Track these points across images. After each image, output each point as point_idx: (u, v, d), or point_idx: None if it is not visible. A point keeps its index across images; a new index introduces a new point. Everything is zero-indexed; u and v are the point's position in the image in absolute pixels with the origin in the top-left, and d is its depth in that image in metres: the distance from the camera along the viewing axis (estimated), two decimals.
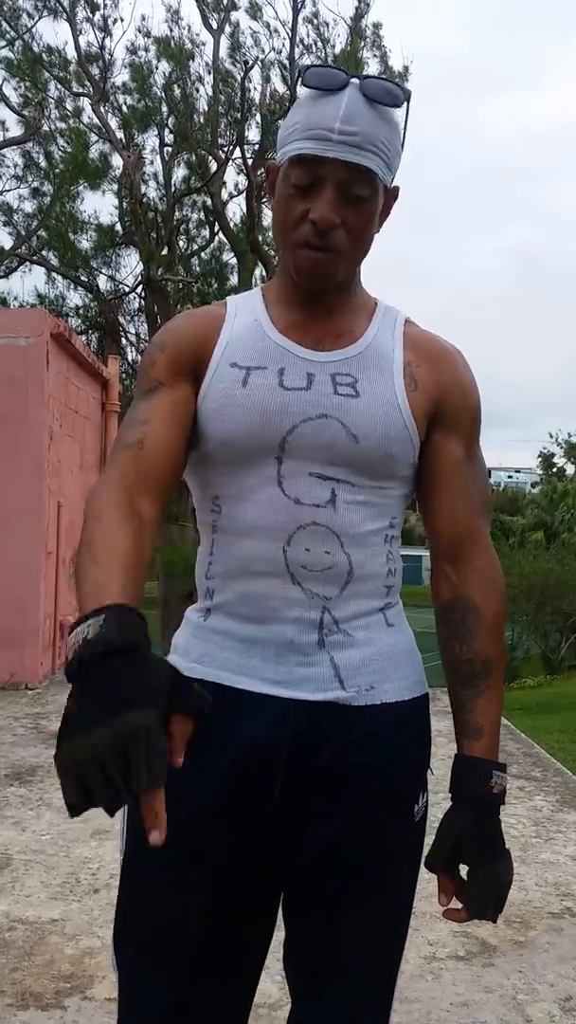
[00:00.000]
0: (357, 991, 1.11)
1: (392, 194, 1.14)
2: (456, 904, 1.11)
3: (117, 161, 12.66)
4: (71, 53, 12.71)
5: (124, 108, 12.88)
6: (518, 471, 57.83)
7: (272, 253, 13.34)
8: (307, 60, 13.04)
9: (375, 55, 13.27)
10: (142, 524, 1.04)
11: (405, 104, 1.09)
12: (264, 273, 12.83)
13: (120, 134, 12.71)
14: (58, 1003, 2.06)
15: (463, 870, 1.09)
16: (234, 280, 13.21)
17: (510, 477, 57.23)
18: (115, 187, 12.79)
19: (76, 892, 2.64)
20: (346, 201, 1.06)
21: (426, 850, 1.12)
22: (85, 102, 12.89)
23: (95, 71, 12.68)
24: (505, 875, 1.10)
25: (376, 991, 1.13)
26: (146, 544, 1.04)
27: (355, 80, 1.06)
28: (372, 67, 13.27)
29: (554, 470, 43.63)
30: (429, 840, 1.11)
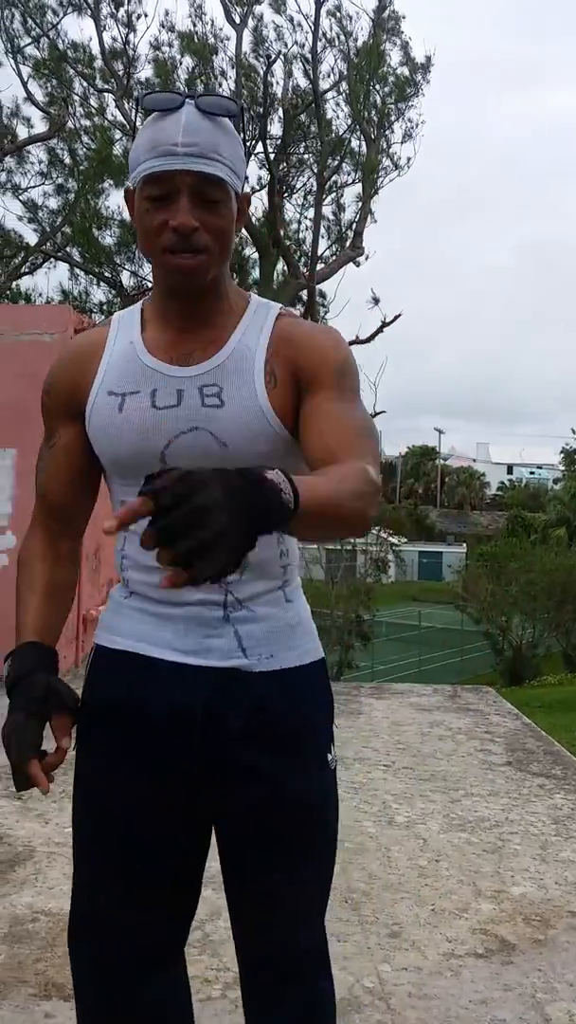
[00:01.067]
0: (288, 925, 1.28)
1: (245, 199, 1.22)
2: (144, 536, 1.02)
3: None
4: (95, 49, 12.77)
5: None
6: (540, 467, 57.46)
7: (294, 248, 13.35)
8: (330, 54, 13.02)
9: (396, 45, 13.21)
10: (58, 557, 1.36)
11: (238, 116, 1.19)
12: (286, 268, 12.82)
13: None
14: None
15: None
16: (255, 274, 13.22)
17: (532, 473, 56.86)
18: None
19: None
20: (202, 206, 1.14)
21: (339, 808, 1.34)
22: (109, 98, 12.94)
23: (119, 67, 12.72)
24: (211, 495, 0.91)
25: (305, 929, 1.30)
26: (64, 569, 1.37)
27: (190, 99, 1.14)
28: (394, 59, 13.23)
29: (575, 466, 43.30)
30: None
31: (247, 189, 1.23)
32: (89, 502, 1.37)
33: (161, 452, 1.21)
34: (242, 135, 1.11)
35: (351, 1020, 2.01)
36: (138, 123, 12.62)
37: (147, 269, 13.51)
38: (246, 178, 1.27)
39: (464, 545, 32.90)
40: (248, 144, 12.95)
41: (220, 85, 12.89)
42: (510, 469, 59.68)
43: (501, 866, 2.85)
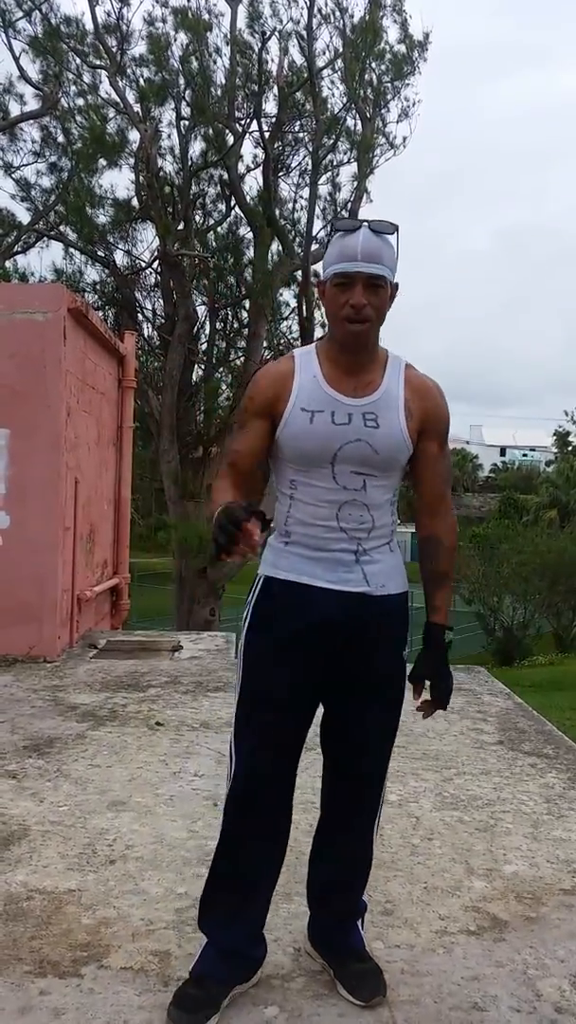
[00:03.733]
0: (370, 755, 2.04)
1: (395, 288, 1.92)
2: (420, 704, 2.05)
3: (134, 135, 12.55)
4: (88, 24, 12.57)
5: (141, 81, 12.73)
6: (533, 449, 57.42)
7: (289, 228, 13.24)
8: (325, 30, 12.84)
9: (395, 21, 13.04)
10: (239, 488, 1.93)
11: (396, 232, 1.88)
12: (280, 248, 12.72)
13: (137, 108, 12.58)
14: (75, 971, 2.10)
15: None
16: (250, 254, 13.11)
17: (525, 455, 56.82)
18: (132, 161, 12.68)
19: (93, 863, 2.68)
20: (369, 291, 1.85)
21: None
22: (102, 75, 12.76)
23: (112, 43, 12.53)
24: (451, 686, 2.04)
25: (383, 759, 2.07)
26: (241, 493, 1.90)
27: (366, 222, 1.85)
28: (392, 34, 13.05)
29: (569, 448, 43.31)
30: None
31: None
32: (261, 472, 2.00)
33: (334, 453, 1.90)
34: (396, 242, 1.87)
35: (345, 996, 2.02)
36: (132, 101, 12.48)
37: (141, 248, 13.39)
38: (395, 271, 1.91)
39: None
40: (243, 123, 12.80)
41: (215, 62, 12.74)
42: (503, 451, 59.64)
43: (493, 844, 2.88)
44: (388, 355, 2.00)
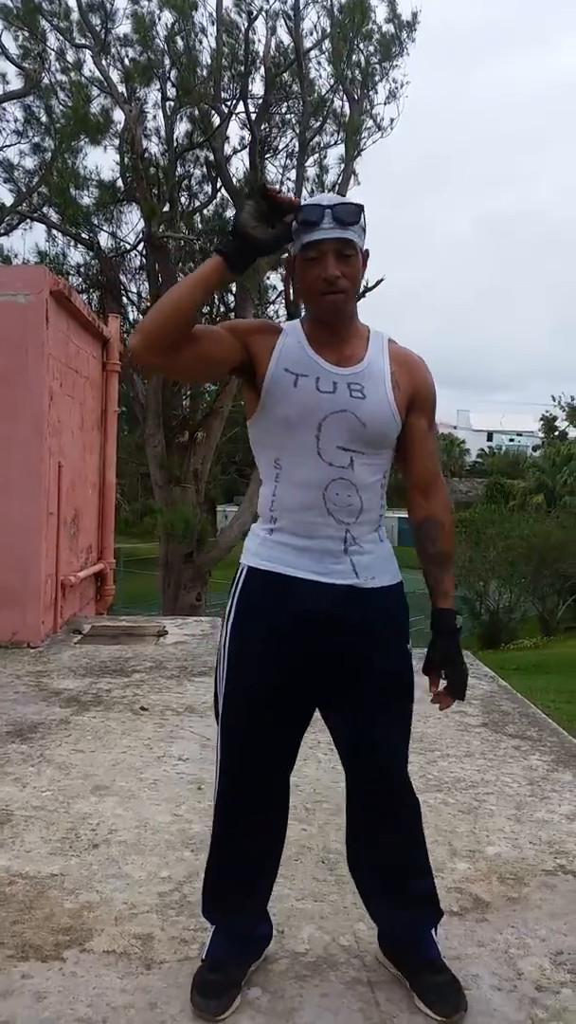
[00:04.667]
0: (388, 754, 1.93)
1: (366, 255, 1.85)
2: (435, 696, 1.96)
3: (118, 116, 12.38)
4: (72, 2, 12.39)
5: (126, 61, 12.57)
6: (520, 434, 57.57)
7: None
8: (312, 11, 12.70)
9: (383, 1, 12.91)
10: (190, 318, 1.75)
11: (362, 210, 1.79)
12: None
13: (122, 88, 12.42)
14: (57, 955, 2.10)
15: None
16: None
17: (512, 440, 56.96)
18: (116, 142, 12.53)
19: (75, 848, 2.67)
20: (341, 261, 1.78)
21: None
22: (86, 55, 12.58)
23: (96, 21, 12.36)
24: (466, 673, 1.96)
25: (398, 757, 1.96)
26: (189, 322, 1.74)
27: (329, 208, 1.76)
28: (380, 14, 12.91)
29: (556, 433, 43.43)
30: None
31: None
32: (199, 363, 1.81)
33: (319, 422, 1.81)
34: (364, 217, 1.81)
35: (327, 977, 2.03)
36: (117, 81, 12.32)
37: (125, 230, 13.27)
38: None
39: None
40: (229, 104, 12.67)
41: (200, 42, 12.58)
42: (490, 436, 59.77)
43: (477, 826, 2.89)
44: (370, 330, 1.95)
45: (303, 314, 1.95)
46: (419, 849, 1.99)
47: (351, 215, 1.77)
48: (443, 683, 1.94)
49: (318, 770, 3.37)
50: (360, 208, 1.79)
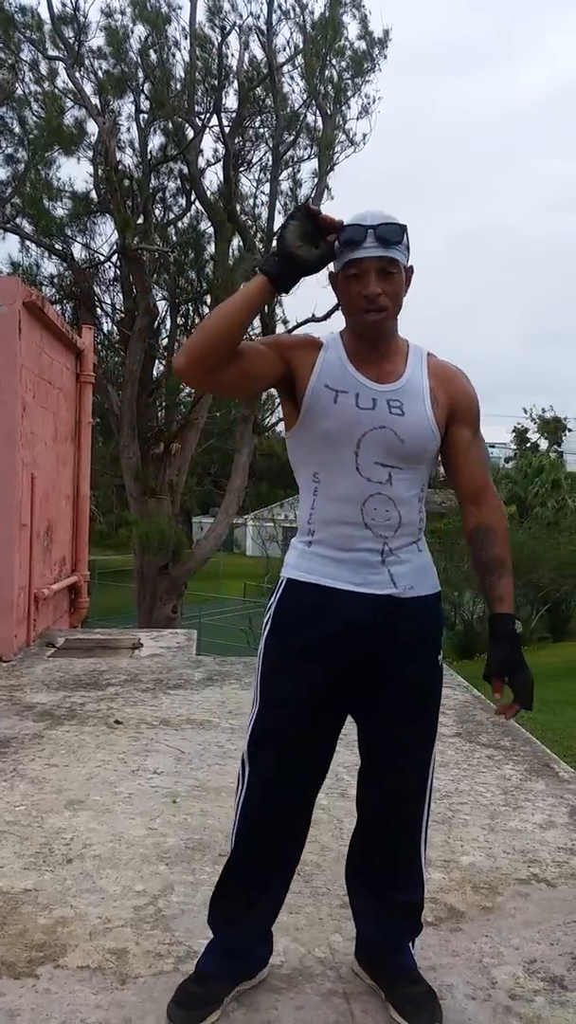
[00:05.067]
0: (410, 766, 1.94)
1: (410, 271, 1.85)
2: (500, 708, 1.91)
3: (92, 127, 12.39)
4: (45, 14, 12.40)
5: (99, 73, 12.59)
6: (493, 446, 58.04)
7: (249, 223, 13.20)
8: (285, 26, 12.81)
9: (355, 18, 13.04)
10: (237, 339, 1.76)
11: (406, 232, 1.80)
12: (241, 243, 12.67)
13: (95, 100, 12.43)
14: (31, 971, 2.08)
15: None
16: (211, 249, 13.04)
17: None
18: (90, 154, 12.53)
19: (49, 862, 2.65)
20: (382, 279, 1.78)
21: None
22: (59, 66, 12.58)
23: (69, 33, 12.37)
24: (531, 677, 1.86)
25: (422, 767, 1.95)
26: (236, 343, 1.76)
27: (372, 228, 1.76)
28: (352, 31, 13.04)
29: (528, 445, 43.85)
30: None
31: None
32: (242, 380, 1.81)
33: (359, 439, 1.82)
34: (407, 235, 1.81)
35: (302, 990, 2.03)
36: (90, 93, 12.32)
37: (99, 241, 13.25)
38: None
39: None
40: (203, 118, 12.71)
41: (174, 56, 12.63)
42: None
43: (451, 836, 2.91)
44: (409, 344, 1.95)
45: (344, 327, 1.94)
46: (418, 859, 1.99)
47: (394, 234, 1.77)
48: (507, 690, 1.87)
49: None
50: (403, 228, 1.79)
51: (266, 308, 12.41)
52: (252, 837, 1.92)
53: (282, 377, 1.86)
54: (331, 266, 1.85)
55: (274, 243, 1.72)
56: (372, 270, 1.77)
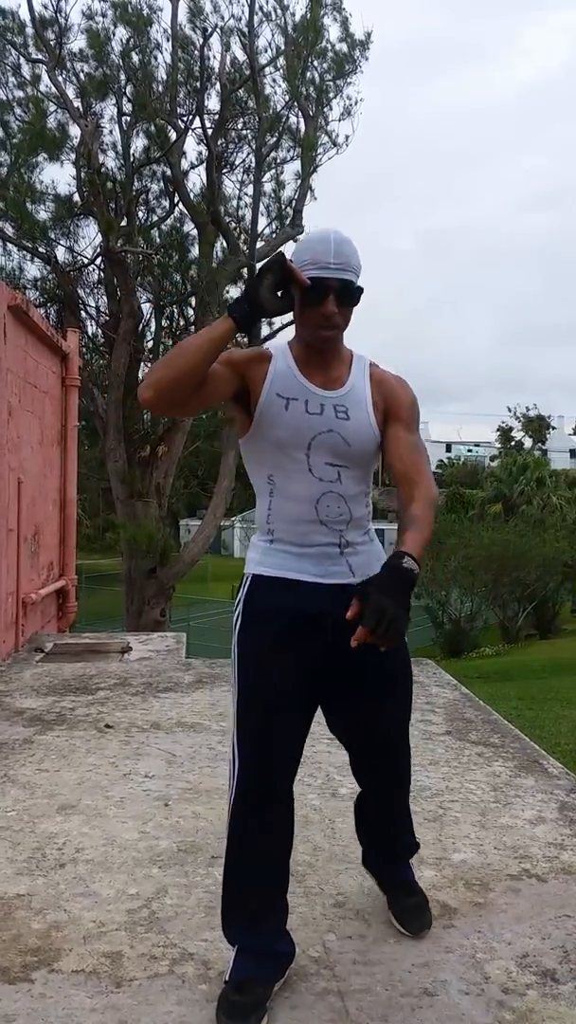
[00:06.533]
0: (395, 749, 2.22)
1: (359, 291, 1.99)
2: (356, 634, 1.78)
3: (75, 130, 12.36)
4: (25, 15, 12.35)
5: (81, 76, 12.56)
6: (477, 445, 58.31)
7: (233, 225, 13.20)
8: (267, 28, 12.83)
9: (336, 20, 13.08)
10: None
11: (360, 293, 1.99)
12: (225, 245, 12.67)
13: (77, 103, 12.41)
14: (26, 976, 2.08)
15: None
16: (195, 252, 13.04)
17: (470, 451, 57.66)
18: (73, 157, 12.50)
19: (42, 867, 2.65)
20: (340, 303, 1.95)
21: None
22: (41, 69, 12.54)
23: (50, 36, 12.33)
24: (391, 609, 1.72)
25: (404, 728, 2.23)
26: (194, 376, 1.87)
27: (332, 233, 1.94)
28: (333, 33, 13.08)
29: (512, 443, 44.04)
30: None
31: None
32: (204, 402, 1.97)
33: (308, 442, 1.98)
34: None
35: (296, 989, 2.04)
36: (72, 96, 12.30)
37: (83, 244, 13.21)
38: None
39: None
40: (185, 120, 12.71)
41: (155, 58, 12.62)
42: (448, 447, 60.43)
43: (442, 834, 2.92)
44: (352, 354, 2.12)
45: (292, 338, 2.11)
46: (406, 811, 2.37)
47: (352, 291, 1.97)
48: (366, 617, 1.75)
49: None
50: (360, 290, 1.99)
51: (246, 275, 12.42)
52: (248, 829, 2.00)
53: (237, 391, 2.00)
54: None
55: (244, 285, 1.89)
56: (332, 290, 1.92)
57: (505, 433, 57.65)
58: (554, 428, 62.11)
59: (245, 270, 12.35)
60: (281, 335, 12.72)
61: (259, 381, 2.00)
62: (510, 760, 3.71)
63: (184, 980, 2.08)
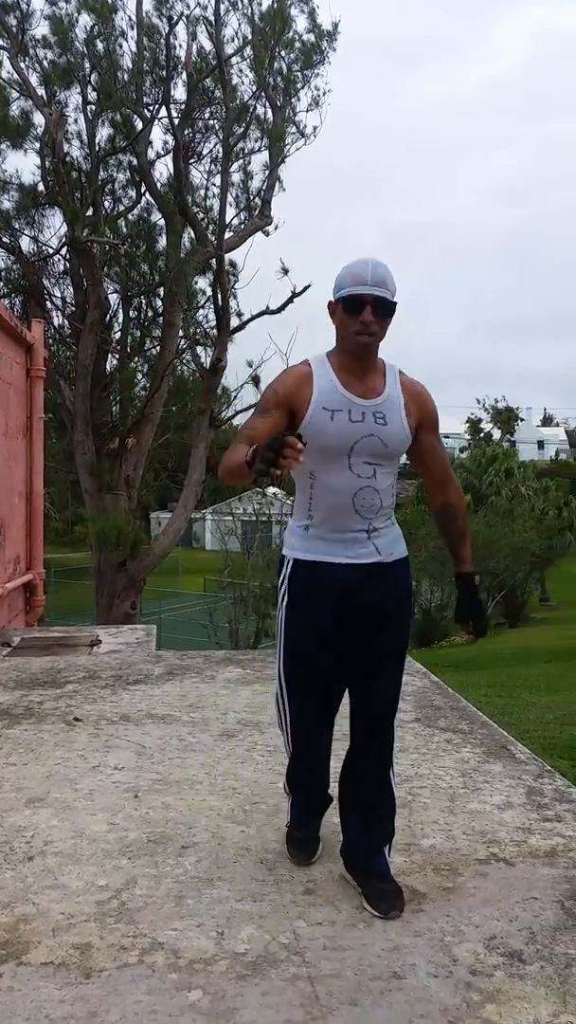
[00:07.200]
0: (391, 703, 2.51)
1: (394, 306, 2.33)
2: (467, 639, 2.88)
3: (39, 119, 12.18)
4: None
5: (44, 63, 12.37)
6: (447, 436, 58.65)
7: (201, 216, 13.12)
8: (233, 17, 12.74)
9: (303, 11, 13.01)
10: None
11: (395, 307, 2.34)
12: (193, 235, 12.59)
13: (41, 91, 12.22)
14: None
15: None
16: (163, 242, 12.93)
17: None
18: (37, 146, 12.32)
19: (10, 860, 2.63)
20: (376, 310, 2.29)
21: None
22: (3, 56, 12.34)
23: (12, 21, 12.14)
24: (485, 614, 3.13)
25: (399, 676, 2.53)
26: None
27: (371, 259, 2.30)
28: (300, 24, 13.01)
29: (482, 435, 44.35)
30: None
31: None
32: None
33: (351, 446, 2.32)
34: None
35: (267, 976, 2.05)
36: (36, 84, 12.12)
37: (48, 234, 13.04)
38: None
39: None
40: (151, 109, 12.58)
41: (120, 46, 12.47)
42: None
43: (411, 820, 2.94)
44: (384, 363, 2.44)
45: (332, 348, 2.43)
46: (389, 777, 2.50)
47: (387, 304, 2.31)
48: (471, 627, 2.59)
49: (255, 771, 3.39)
50: (394, 304, 2.33)
51: (220, 300, 12.37)
52: (300, 753, 2.58)
53: (290, 417, 2.34)
54: (332, 295, 2.37)
55: (255, 450, 1.99)
56: (369, 302, 2.27)
57: (474, 425, 58.05)
58: (522, 420, 62.66)
59: (215, 261, 12.27)
60: (252, 326, 12.67)
61: (305, 401, 2.32)
62: (478, 746, 3.74)
63: (154, 969, 2.07)
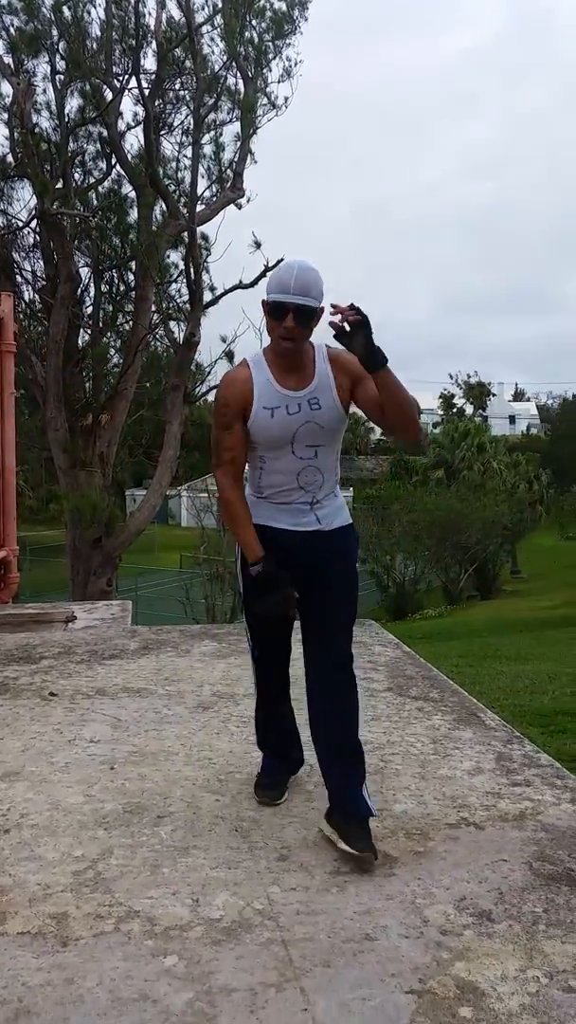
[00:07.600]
0: (342, 632, 2.69)
1: (320, 311, 2.48)
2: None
3: (6, 88, 11.94)
4: None
5: (11, 30, 12.09)
6: (421, 412, 58.80)
7: (173, 188, 12.96)
8: None
9: None
10: (242, 496, 2.69)
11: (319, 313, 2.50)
12: (165, 208, 12.43)
13: (8, 59, 11.96)
14: None
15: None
16: (134, 215, 12.76)
17: None
18: (4, 116, 12.08)
19: None
20: (299, 317, 2.46)
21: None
22: None
23: None
24: (368, 339, 2.36)
25: (347, 628, 2.70)
26: (240, 482, 2.69)
27: (297, 264, 2.46)
28: None
29: (454, 410, 44.50)
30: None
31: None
32: (246, 455, 2.67)
33: (292, 435, 2.56)
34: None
35: (241, 940, 2.09)
36: (2, 52, 11.86)
37: (17, 207, 12.82)
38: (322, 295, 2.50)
39: (351, 489, 33.60)
40: (121, 79, 12.36)
41: (89, 13, 12.21)
42: None
43: (383, 786, 2.99)
44: (313, 345, 2.60)
45: (266, 346, 2.62)
46: (354, 712, 2.65)
47: (309, 313, 2.46)
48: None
49: (230, 742, 3.42)
50: (319, 311, 2.48)
51: (192, 274, 12.26)
52: (265, 681, 2.90)
53: (243, 419, 2.59)
54: (265, 295, 2.50)
55: (264, 585, 2.63)
56: (291, 310, 2.44)
57: (447, 400, 58.18)
58: (494, 395, 62.88)
59: (187, 234, 12.14)
60: (225, 300, 12.59)
61: (249, 404, 2.56)
62: (449, 714, 3.80)
63: (130, 937, 2.11)
